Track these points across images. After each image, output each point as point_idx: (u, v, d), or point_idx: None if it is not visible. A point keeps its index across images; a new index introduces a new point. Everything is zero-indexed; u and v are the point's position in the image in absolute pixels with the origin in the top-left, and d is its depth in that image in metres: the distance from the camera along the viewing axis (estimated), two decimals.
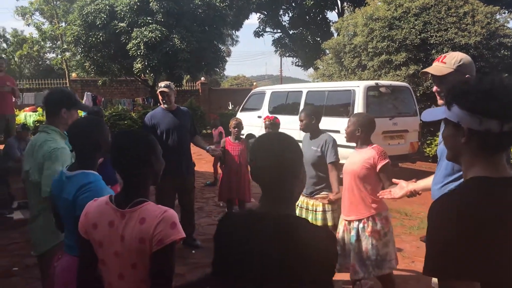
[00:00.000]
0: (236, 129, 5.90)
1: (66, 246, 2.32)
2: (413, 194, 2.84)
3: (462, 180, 2.50)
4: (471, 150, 1.34)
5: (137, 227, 1.72)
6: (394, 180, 3.03)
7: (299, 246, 1.37)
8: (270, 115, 5.78)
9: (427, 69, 2.58)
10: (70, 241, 2.27)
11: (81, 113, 7.51)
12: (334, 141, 4.18)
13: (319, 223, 4.17)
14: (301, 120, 4.22)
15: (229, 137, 6.02)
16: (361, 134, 3.51)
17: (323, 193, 4.19)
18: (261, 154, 1.50)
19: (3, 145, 8.11)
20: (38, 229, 2.97)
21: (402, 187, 2.88)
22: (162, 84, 5.08)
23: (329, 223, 4.14)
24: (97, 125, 2.33)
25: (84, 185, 2.15)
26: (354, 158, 3.56)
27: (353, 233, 3.51)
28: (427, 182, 2.82)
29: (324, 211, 4.16)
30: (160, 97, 5.08)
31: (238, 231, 1.48)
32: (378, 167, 3.40)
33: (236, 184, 5.81)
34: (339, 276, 4.31)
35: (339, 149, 4.22)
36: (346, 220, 3.61)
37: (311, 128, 4.21)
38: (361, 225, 3.48)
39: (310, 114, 4.18)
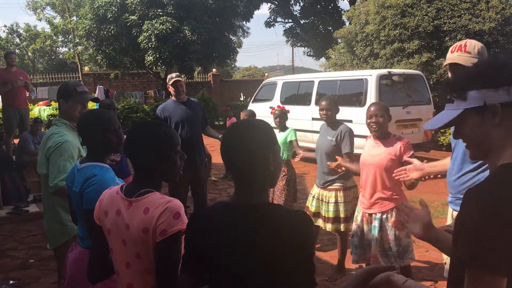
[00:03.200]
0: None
1: (79, 237, 2.34)
2: (427, 178, 2.79)
3: (479, 170, 2.45)
4: (506, 131, 1.23)
5: (141, 217, 1.71)
6: (407, 158, 2.98)
7: (269, 232, 1.37)
8: (280, 106, 5.71)
9: (457, 60, 2.51)
10: (81, 233, 2.30)
11: (94, 106, 7.57)
12: (351, 131, 4.16)
13: (331, 214, 4.16)
14: (324, 109, 4.17)
15: None
16: (386, 123, 3.43)
17: (336, 184, 4.18)
18: (228, 145, 1.48)
19: (18, 139, 8.21)
20: (52, 223, 3.00)
21: (417, 167, 2.81)
22: (173, 74, 5.08)
23: (341, 215, 4.13)
24: (105, 118, 2.32)
25: (89, 178, 2.16)
26: (377, 150, 3.46)
27: (375, 223, 3.48)
28: (443, 166, 2.77)
29: (336, 203, 4.15)
30: (172, 89, 5.05)
31: (208, 224, 1.48)
32: (404, 158, 3.29)
33: None
34: (349, 264, 4.32)
35: (355, 139, 4.19)
36: (367, 213, 3.56)
37: (333, 118, 4.20)
38: (384, 216, 3.45)
39: (333, 104, 4.17)
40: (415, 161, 2.85)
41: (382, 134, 3.46)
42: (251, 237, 1.39)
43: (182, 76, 5.23)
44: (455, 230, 1.20)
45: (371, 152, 3.52)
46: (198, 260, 1.49)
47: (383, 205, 3.45)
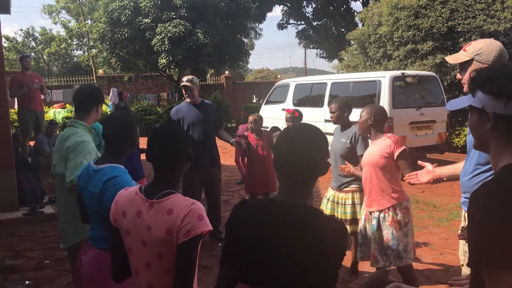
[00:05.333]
0: (253, 125, 5.81)
1: (91, 238, 2.36)
2: (438, 180, 2.80)
3: (492, 171, 2.45)
4: (498, 137, 1.31)
5: (164, 218, 1.75)
6: (420, 162, 2.98)
7: (312, 235, 1.41)
8: (290, 108, 5.71)
9: (447, 57, 2.64)
10: (96, 233, 2.32)
11: (106, 109, 7.63)
12: None
13: (348, 216, 4.16)
14: (332, 112, 4.23)
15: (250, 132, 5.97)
16: (373, 123, 3.52)
17: (352, 186, 4.17)
18: (282, 146, 1.54)
19: (34, 141, 8.32)
20: (66, 223, 3.04)
21: (429, 171, 2.84)
22: (184, 78, 5.15)
23: (359, 217, 4.11)
24: (131, 121, 2.40)
25: (111, 179, 2.20)
26: (371, 149, 3.58)
27: (374, 222, 3.53)
28: (454, 169, 2.77)
29: (353, 204, 4.16)
30: (183, 92, 5.16)
31: (252, 218, 1.52)
32: (395, 155, 3.38)
33: (259, 178, 5.73)
34: (362, 266, 4.30)
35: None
36: (368, 211, 3.63)
37: (342, 120, 4.22)
38: (382, 215, 3.49)
39: (342, 106, 4.20)
40: (428, 165, 2.87)
41: (364, 132, 3.66)
42: (291, 235, 1.42)
43: (196, 79, 5.27)
44: (467, 232, 1.24)
45: (368, 151, 3.65)
46: (239, 251, 1.53)
47: (380, 203, 3.49)
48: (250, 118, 5.91)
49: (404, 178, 3.11)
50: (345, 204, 4.20)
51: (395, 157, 3.39)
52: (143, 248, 1.80)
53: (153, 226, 1.76)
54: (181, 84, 5.14)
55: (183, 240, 1.71)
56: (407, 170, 3.29)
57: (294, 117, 5.29)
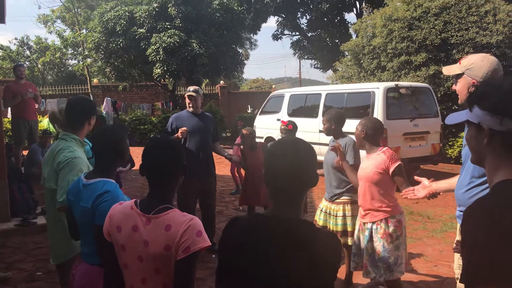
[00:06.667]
0: (246, 139, 5.81)
1: (83, 254, 2.33)
2: (434, 195, 2.82)
3: (487, 185, 2.47)
4: (494, 152, 1.32)
5: (162, 234, 1.73)
6: (416, 178, 2.99)
7: (306, 250, 1.39)
8: (285, 120, 5.71)
9: (443, 68, 2.73)
10: (87, 249, 2.29)
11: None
12: (355, 143, 4.17)
13: (339, 228, 4.16)
14: (323, 124, 4.33)
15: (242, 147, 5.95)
16: (365, 137, 3.51)
17: (344, 197, 4.18)
18: (273, 161, 1.53)
19: (27, 151, 8.26)
20: (57, 239, 2.98)
21: (425, 186, 2.86)
22: (190, 88, 5.25)
23: (349, 229, 4.12)
24: (120, 135, 2.39)
25: (102, 193, 2.18)
26: (366, 163, 3.57)
27: (366, 233, 3.53)
28: (449, 183, 2.79)
29: (344, 216, 4.17)
30: (187, 101, 5.21)
31: (244, 236, 1.50)
32: (391, 170, 3.37)
33: (254, 191, 5.65)
34: (356, 278, 4.28)
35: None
36: (362, 222, 3.64)
37: (332, 132, 4.28)
38: (374, 226, 3.49)
39: (330, 119, 4.26)
40: (424, 180, 2.89)
41: (360, 145, 3.66)
42: (285, 250, 1.40)
43: (201, 90, 5.32)
44: (461, 247, 1.24)
45: (363, 165, 3.63)
46: (232, 271, 1.50)
47: (373, 215, 3.50)
48: (243, 132, 5.89)
49: (401, 194, 3.12)
50: (336, 216, 4.21)
51: (390, 173, 3.38)
52: (139, 263, 1.78)
53: (150, 241, 1.74)
54: (186, 93, 5.22)
55: (183, 256, 1.70)
56: (403, 185, 3.29)
57: (288, 130, 5.29)
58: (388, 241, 3.41)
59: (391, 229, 3.42)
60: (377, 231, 3.46)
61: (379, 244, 3.43)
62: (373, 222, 3.49)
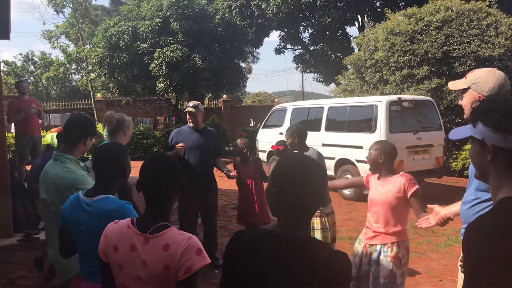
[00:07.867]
0: (238, 152, 5.57)
1: (84, 272, 2.29)
2: (445, 221, 2.79)
3: (491, 201, 2.45)
4: (497, 169, 1.31)
5: (161, 254, 1.71)
6: (430, 205, 2.96)
7: (315, 269, 1.35)
8: (274, 145, 5.33)
9: (449, 83, 2.70)
10: (89, 267, 2.25)
11: (103, 132, 7.61)
12: (319, 154, 4.26)
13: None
14: (286, 139, 4.42)
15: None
16: (384, 162, 3.40)
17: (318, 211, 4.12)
18: (284, 180, 1.47)
19: (30, 166, 8.26)
20: (63, 258, 2.93)
21: (437, 212, 2.83)
22: (190, 104, 5.22)
23: (329, 241, 4.17)
24: (122, 152, 2.37)
25: (111, 211, 2.13)
26: (382, 188, 3.42)
27: (374, 255, 3.39)
28: (459, 207, 2.75)
29: (323, 229, 4.18)
30: (187, 116, 5.21)
31: (249, 251, 1.45)
32: (409, 194, 3.28)
33: (250, 207, 5.37)
34: None
35: (361, 165, 4.19)
36: (368, 243, 3.48)
37: (296, 146, 4.33)
38: (384, 249, 3.35)
39: (291, 134, 4.36)
40: (436, 207, 2.87)
41: (375, 170, 3.47)
42: (291, 268, 1.36)
43: (202, 106, 5.29)
44: (462, 264, 1.24)
45: (378, 189, 3.46)
46: (234, 285, 1.47)
47: (385, 238, 3.37)
48: (237, 142, 5.62)
49: (416, 224, 3.07)
50: (314, 229, 4.19)
51: (408, 196, 3.29)
52: (137, 283, 1.76)
53: (149, 261, 1.72)
54: (186, 109, 5.20)
55: (184, 277, 1.68)
56: (419, 210, 3.23)
57: (280, 152, 5.14)
58: (397, 265, 3.30)
59: (401, 253, 3.32)
60: (387, 254, 3.33)
61: (387, 268, 3.30)
62: (384, 244, 3.36)
